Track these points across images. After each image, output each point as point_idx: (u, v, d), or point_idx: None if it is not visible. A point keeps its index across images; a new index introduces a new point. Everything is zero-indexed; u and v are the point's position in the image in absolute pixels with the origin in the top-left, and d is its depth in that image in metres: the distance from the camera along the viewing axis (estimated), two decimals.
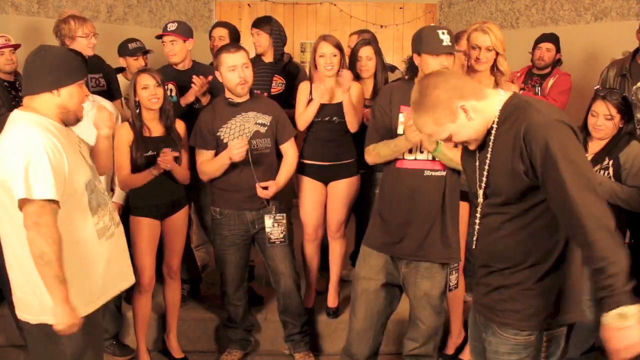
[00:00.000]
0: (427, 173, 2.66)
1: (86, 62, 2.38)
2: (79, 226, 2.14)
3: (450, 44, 2.53)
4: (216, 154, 3.11)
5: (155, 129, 3.11)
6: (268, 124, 3.12)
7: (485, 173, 1.88)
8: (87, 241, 2.17)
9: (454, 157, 2.50)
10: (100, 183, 2.29)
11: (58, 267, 1.98)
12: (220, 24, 4.02)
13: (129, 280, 2.44)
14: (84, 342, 2.19)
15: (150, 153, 3.04)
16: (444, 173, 2.66)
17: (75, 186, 2.10)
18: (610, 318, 1.57)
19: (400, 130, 2.66)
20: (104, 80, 3.66)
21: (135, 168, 3.05)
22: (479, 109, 1.82)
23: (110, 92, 3.68)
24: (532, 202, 1.81)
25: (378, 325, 2.87)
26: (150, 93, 3.01)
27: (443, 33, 2.53)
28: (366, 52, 3.49)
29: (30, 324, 2.14)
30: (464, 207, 2.91)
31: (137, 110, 3.07)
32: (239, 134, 3.08)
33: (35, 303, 2.10)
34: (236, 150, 2.94)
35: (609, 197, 2.91)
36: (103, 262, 2.23)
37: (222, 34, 3.88)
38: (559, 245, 1.84)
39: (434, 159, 2.65)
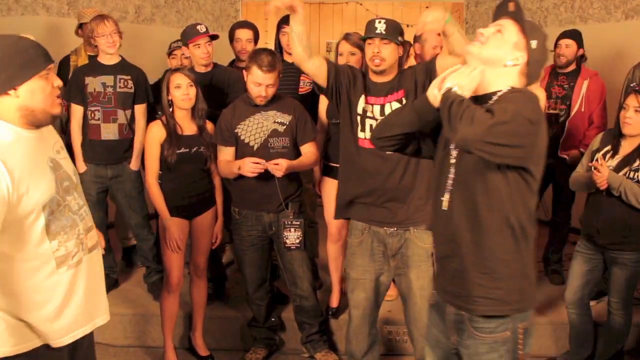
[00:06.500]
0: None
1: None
2: (29, 253, 1.79)
3: (383, 32, 2.65)
4: (236, 151, 3.13)
5: (188, 127, 3.15)
6: (287, 123, 3.11)
7: None
8: (39, 271, 1.81)
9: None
10: (76, 198, 1.94)
11: None
12: (243, 25, 4.01)
13: (102, 316, 2.06)
14: None
15: (183, 150, 3.09)
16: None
17: (24, 209, 1.74)
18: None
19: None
20: (132, 83, 3.71)
21: (167, 165, 3.09)
22: (512, 73, 1.90)
23: (136, 95, 3.73)
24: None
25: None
26: (183, 92, 3.06)
27: (379, 22, 2.68)
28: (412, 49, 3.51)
29: None
30: None
31: (170, 109, 3.11)
32: (256, 132, 3.08)
33: None
34: (249, 167, 2.94)
35: (634, 200, 2.87)
36: (61, 297, 1.86)
37: (249, 37, 3.88)
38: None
39: None
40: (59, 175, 1.87)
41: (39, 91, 1.79)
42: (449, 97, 1.80)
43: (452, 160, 1.95)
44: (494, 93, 1.89)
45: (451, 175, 1.95)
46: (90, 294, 1.97)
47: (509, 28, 1.89)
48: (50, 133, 1.98)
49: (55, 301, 1.86)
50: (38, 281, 1.82)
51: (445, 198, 1.97)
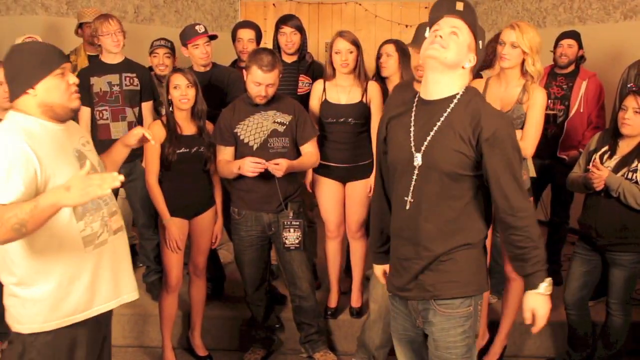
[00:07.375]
0: None
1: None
2: (58, 233, 1.99)
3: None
4: (235, 151, 3.12)
5: (187, 128, 3.15)
6: (287, 123, 3.10)
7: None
8: (68, 249, 2.02)
9: None
10: None
11: (16, 219, 1.76)
12: (245, 25, 3.99)
13: (128, 294, 2.25)
14: None
15: (183, 150, 3.09)
16: None
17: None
18: (545, 288, 1.93)
19: None
20: (137, 80, 3.71)
21: (167, 165, 3.09)
22: (466, 74, 1.98)
23: (142, 92, 3.74)
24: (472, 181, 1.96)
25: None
26: (181, 93, 3.06)
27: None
28: (387, 49, 3.50)
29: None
30: None
31: (171, 109, 3.11)
32: (256, 132, 3.08)
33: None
34: (249, 167, 2.92)
35: (633, 202, 2.88)
36: (89, 273, 2.08)
37: (251, 37, 3.88)
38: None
39: None
40: (83, 164, 2.01)
41: (54, 88, 2.00)
42: None
43: (416, 163, 1.98)
44: (454, 96, 1.94)
45: (415, 177, 1.99)
46: (116, 272, 2.18)
47: (462, 30, 1.92)
48: (77, 129, 2.21)
49: (84, 277, 2.06)
50: (68, 258, 2.01)
51: (409, 199, 2.00)
